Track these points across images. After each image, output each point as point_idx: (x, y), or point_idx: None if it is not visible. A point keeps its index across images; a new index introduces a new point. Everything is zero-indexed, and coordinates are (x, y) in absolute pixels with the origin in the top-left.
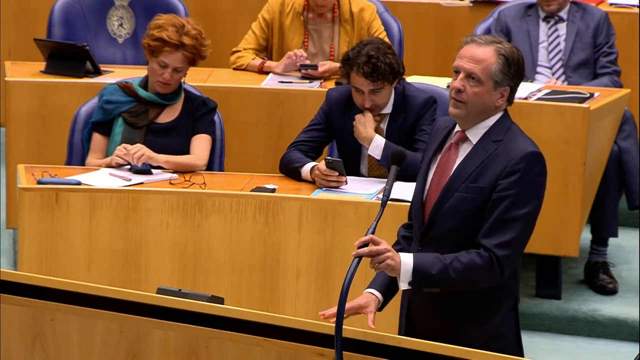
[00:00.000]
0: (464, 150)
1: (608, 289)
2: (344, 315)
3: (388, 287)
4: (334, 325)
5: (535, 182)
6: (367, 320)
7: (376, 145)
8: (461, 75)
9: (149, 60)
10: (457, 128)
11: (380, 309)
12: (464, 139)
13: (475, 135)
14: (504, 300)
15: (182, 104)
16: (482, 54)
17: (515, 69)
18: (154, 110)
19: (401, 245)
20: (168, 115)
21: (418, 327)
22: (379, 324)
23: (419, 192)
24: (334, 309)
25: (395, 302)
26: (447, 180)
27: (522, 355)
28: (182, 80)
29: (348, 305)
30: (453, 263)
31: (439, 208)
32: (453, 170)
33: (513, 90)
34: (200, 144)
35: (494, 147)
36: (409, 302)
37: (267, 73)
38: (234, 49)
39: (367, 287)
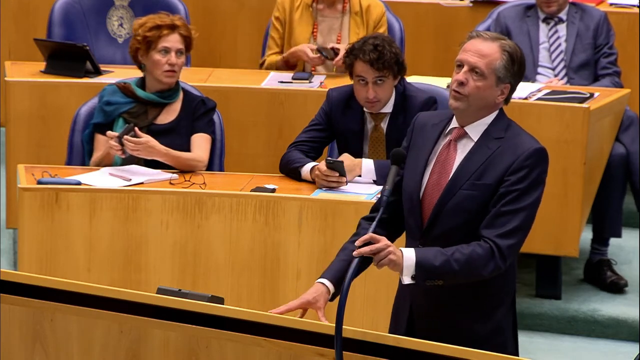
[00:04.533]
0: (463, 147)
1: (620, 285)
2: (291, 311)
3: (342, 276)
4: (334, 325)
5: (540, 177)
6: (318, 317)
7: (367, 170)
8: (465, 69)
9: (148, 56)
10: (454, 124)
11: (331, 299)
12: (463, 135)
13: (475, 132)
14: (505, 295)
15: (180, 104)
16: (487, 49)
17: (518, 67)
18: (153, 110)
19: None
20: (167, 116)
21: (418, 326)
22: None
23: (414, 189)
24: (281, 308)
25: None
26: (448, 178)
27: (517, 351)
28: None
29: (297, 301)
30: (455, 255)
31: (441, 206)
32: (455, 168)
33: (512, 89)
34: (200, 143)
35: (497, 145)
36: (411, 303)
37: (293, 67)
38: (262, 60)
39: (320, 277)
